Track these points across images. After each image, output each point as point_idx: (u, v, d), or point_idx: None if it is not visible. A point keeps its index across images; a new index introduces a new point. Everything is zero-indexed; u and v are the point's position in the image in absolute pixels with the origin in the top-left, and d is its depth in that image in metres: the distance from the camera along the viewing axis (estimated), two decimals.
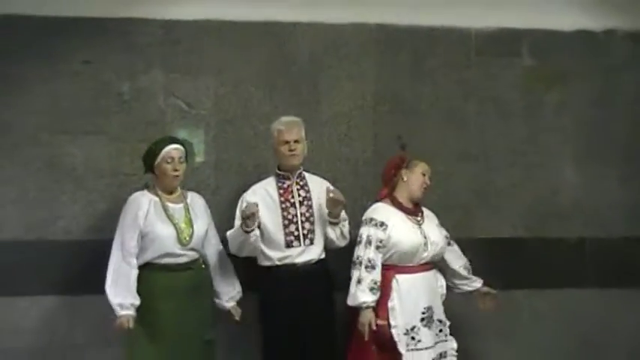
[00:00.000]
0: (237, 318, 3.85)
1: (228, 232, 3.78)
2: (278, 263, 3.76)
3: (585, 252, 4.44)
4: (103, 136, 4.08)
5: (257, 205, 3.65)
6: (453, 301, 3.92)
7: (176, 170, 3.69)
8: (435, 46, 4.35)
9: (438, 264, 3.87)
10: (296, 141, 3.80)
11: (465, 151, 4.38)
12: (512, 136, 4.41)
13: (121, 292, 3.58)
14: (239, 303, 3.88)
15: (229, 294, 3.85)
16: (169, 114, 4.14)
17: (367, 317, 3.62)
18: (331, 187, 3.77)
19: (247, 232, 3.65)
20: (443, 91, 4.36)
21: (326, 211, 3.78)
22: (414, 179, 3.81)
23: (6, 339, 3.98)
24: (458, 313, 3.94)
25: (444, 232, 3.90)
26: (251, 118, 4.20)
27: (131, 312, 3.57)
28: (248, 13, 4.14)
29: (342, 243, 3.88)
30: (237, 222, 3.77)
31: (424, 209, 3.90)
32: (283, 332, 3.75)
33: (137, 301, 3.59)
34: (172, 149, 3.69)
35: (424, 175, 3.82)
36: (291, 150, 3.79)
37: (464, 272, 3.90)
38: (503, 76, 4.40)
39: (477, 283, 3.93)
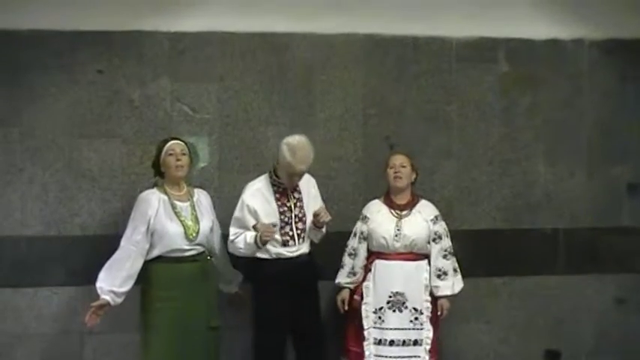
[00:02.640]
0: (246, 299, 3.98)
1: (238, 244, 3.80)
2: (274, 257, 3.86)
3: (557, 241, 4.59)
4: (116, 139, 4.18)
5: (275, 226, 3.78)
6: None
7: (178, 160, 3.75)
8: (418, 53, 4.46)
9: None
10: (302, 173, 3.86)
11: (448, 149, 4.51)
12: (490, 136, 4.54)
13: (106, 277, 3.65)
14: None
15: (237, 279, 4.03)
16: (176, 118, 4.24)
17: (341, 295, 4.00)
18: (317, 211, 3.83)
19: (260, 248, 3.78)
20: (426, 95, 4.48)
21: (313, 207, 3.90)
22: (388, 174, 4.00)
23: (31, 325, 4.14)
24: None
25: (435, 229, 3.97)
26: (251, 121, 4.31)
27: (107, 297, 3.63)
28: (247, 25, 4.25)
29: (318, 239, 4.02)
30: (236, 225, 3.82)
31: (423, 203, 4.03)
32: (277, 317, 3.86)
33: (119, 289, 3.62)
34: (174, 144, 3.80)
35: (392, 167, 3.97)
36: (295, 177, 3.85)
37: (434, 275, 3.95)
38: (481, 81, 4.52)
39: (439, 292, 3.95)
